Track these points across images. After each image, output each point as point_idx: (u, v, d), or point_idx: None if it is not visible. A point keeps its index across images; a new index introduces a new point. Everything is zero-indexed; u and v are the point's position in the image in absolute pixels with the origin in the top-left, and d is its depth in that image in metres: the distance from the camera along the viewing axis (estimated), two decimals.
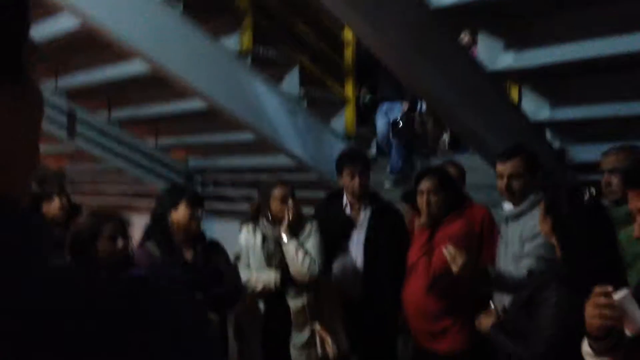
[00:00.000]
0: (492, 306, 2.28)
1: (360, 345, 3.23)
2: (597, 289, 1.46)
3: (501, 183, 2.69)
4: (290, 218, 2.98)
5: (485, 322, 2.21)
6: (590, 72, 4.25)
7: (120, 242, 2.62)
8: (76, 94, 7.19)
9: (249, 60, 5.52)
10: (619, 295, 1.40)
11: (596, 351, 1.51)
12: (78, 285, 0.46)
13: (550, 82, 4.46)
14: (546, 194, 2.18)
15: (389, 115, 5.97)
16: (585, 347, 1.56)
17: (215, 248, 3.04)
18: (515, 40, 4.28)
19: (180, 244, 2.92)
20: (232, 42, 5.69)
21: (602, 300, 1.42)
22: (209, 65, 4.90)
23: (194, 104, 5.88)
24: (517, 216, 2.66)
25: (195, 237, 2.97)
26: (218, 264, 2.93)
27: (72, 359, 0.41)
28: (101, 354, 0.42)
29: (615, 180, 2.46)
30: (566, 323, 1.81)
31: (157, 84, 6.11)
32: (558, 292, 1.94)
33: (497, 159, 2.79)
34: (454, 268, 2.40)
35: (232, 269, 2.99)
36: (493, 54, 4.34)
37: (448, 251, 2.43)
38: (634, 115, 4.08)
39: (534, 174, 2.72)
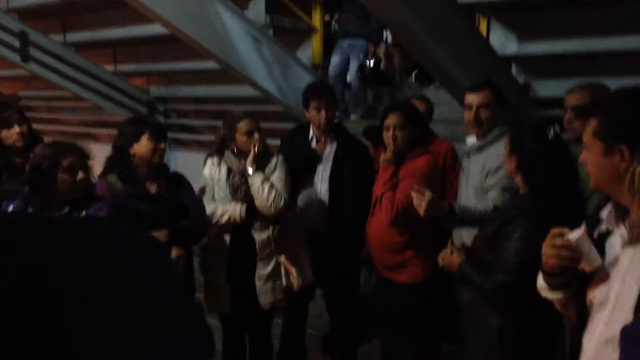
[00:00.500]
0: (451, 243, 2.33)
1: (324, 276, 3.32)
2: (554, 230, 1.50)
3: (469, 114, 2.72)
4: (256, 151, 2.95)
5: (450, 258, 2.24)
6: (558, 7, 4.23)
7: (80, 174, 2.57)
8: (29, 15, 6.79)
9: None
10: (574, 235, 1.45)
11: (551, 286, 1.59)
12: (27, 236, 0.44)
13: (519, 16, 4.42)
14: (510, 132, 2.19)
15: (350, 52, 5.76)
16: (541, 281, 1.63)
17: (179, 181, 3.00)
18: None
19: (143, 177, 2.87)
20: None
21: (558, 241, 1.46)
22: None
23: (153, 29, 5.64)
24: (479, 149, 2.71)
25: (159, 169, 2.92)
26: (182, 197, 2.91)
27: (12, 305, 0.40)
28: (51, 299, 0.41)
29: (576, 120, 2.50)
30: (528, 256, 1.87)
31: (114, 6, 5.81)
32: (523, 226, 2.00)
33: (467, 91, 2.81)
34: (420, 211, 2.44)
35: (196, 201, 2.97)
36: None
37: (414, 194, 2.45)
38: (599, 51, 4.11)
39: (501, 107, 2.77)
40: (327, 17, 6.83)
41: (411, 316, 2.84)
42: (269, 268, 3.01)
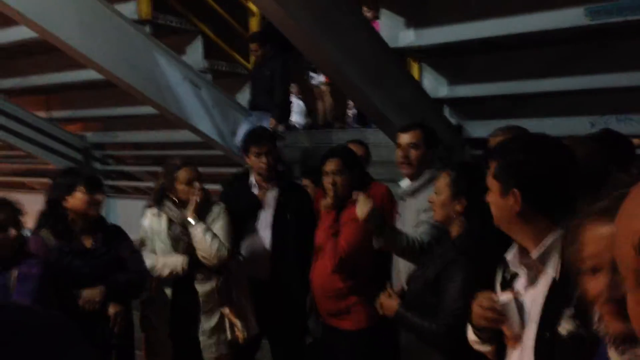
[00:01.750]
0: (390, 287, 2.33)
1: (269, 326, 3.27)
2: (483, 293, 1.56)
3: (399, 153, 2.76)
4: (197, 201, 2.92)
5: (388, 303, 2.23)
6: (484, 51, 4.46)
7: (12, 232, 2.47)
8: None
9: (148, 28, 5.26)
10: (503, 299, 1.51)
11: (480, 339, 1.64)
12: None
13: (449, 60, 4.64)
14: (450, 176, 2.21)
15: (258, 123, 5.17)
16: (471, 335, 1.67)
17: (116, 233, 2.92)
18: (416, 18, 4.40)
19: (78, 231, 2.77)
20: (130, 8, 5.39)
21: (485, 303, 1.52)
22: (103, 33, 4.60)
23: (88, 74, 5.54)
24: (414, 192, 2.74)
25: (95, 222, 2.83)
26: (120, 250, 2.82)
27: None
28: None
29: None
30: (472, 298, 1.91)
31: (47, 52, 5.69)
32: (465, 268, 2.02)
33: (399, 131, 2.87)
34: (359, 213, 2.44)
35: (135, 255, 2.89)
36: (395, 31, 4.44)
37: (362, 197, 2.46)
38: (524, 94, 4.35)
39: (431, 148, 2.81)
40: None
41: None
42: (213, 321, 2.93)
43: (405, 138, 2.76)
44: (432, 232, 2.50)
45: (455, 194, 2.14)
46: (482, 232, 2.05)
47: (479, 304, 1.53)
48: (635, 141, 2.83)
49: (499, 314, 1.49)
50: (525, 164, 1.47)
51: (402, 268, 2.63)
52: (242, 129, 5.33)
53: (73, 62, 4.96)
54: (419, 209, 2.64)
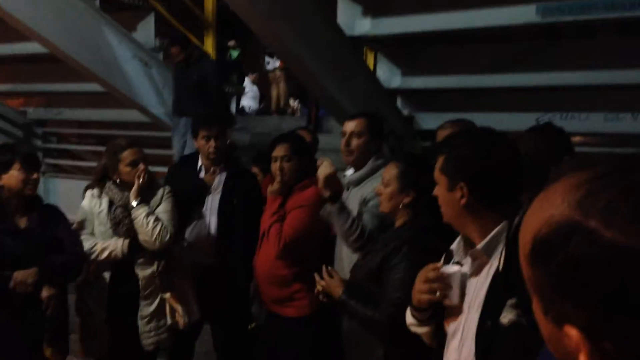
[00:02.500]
0: (333, 268, 2.29)
1: (213, 312, 3.21)
2: (429, 265, 1.56)
3: (342, 140, 2.74)
4: (141, 183, 2.82)
5: (331, 283, 2.20)
6: (441, 43, 4.50)
7: None
8: None
9: (97, 2, 5.05)
10: (450, 269, 1.52)
11: (419, 321, 1.64)
12: None
13: (404, 51, 4.65)
14: (399, 168, 2.21)
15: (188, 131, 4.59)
16: (410, 318, 1.68)
17: (53, 214, 2.79)
18: (374, 7, 4.39)
19: (12, 210, 2.64)
20: None
21: (432, 274, 1.52)
22: (49, 4, 4.39)
23: (33, 47, 5.27)
24: (357, 182, 2.72)
25: (31, 202, 2.70)
26: (56, 231, 2.70)
27: None
28: None
29: None
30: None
31: None
32: (408, 258, 2.02)
33: (346, 119, 2.82)
34: (320, 173, 2.43)
35: (73, 236, 2.77)
36: (351, 19, 4.41)
37: (324, 162, 2.44)
38: (476, 87, 4.42)
39: (377, 138, 2.77)
40: (231, 43, 6.74)
41: (300, 350, 2.81)
42: (153, 307, 2.86)
43: (349, 126, 2.72)
44: (375, 222, 2.50)
45: (404, 186, 2.13)
46: (428, 223, 2.07)
47: (425, 276, 1.54)
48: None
49: (445, 283, 1.50)
50: (472, 158, 1.48)
51: (344, 256, 2.62)
52: (176, 144, 5.01)
53: (17, 33, 4.71)
54: (364, 198, 2.62)
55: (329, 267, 2.29)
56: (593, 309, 0.53)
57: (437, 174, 1.55)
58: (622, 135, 4.25)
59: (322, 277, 2.26)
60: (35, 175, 2.67)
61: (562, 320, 0.57)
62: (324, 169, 2.45)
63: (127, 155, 2.85)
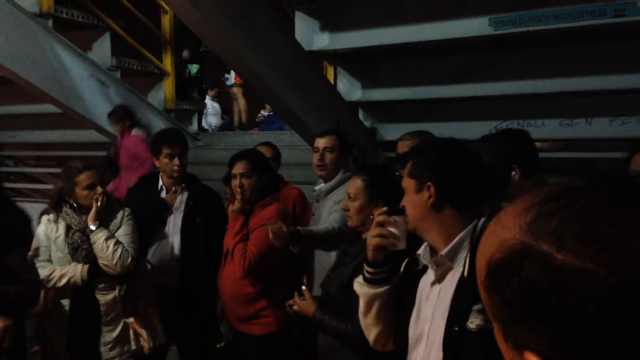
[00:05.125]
0: (305, 289, 2.31)
1: (179, 333, 3.15)
2: (379, 210, 1.62)
3: (316, 156, 2.94)
4: (99, 206, 2.75)
5: (303, 305, 2.23)
6: (398, 56, 4.56)
7: None
8: None
9: (50, 22, 4.95)
10: (398, 217, 1.59)
11: (373, 281, 1.65)
12: None
13: (363, 64, 4.70)
14: (365, 179, 2.20)
15: None
16: (360, 279, 1.70)
17: (5, 240, 2.68)
18: (331, 22, 4.42)
19: None
20: (30, 1, 5.04)
21: (382, 217, 1.59)
22: (0, 26, 4.27)
23: None
24: (328, 192, 2.88)
25: None
26: (9, 259, 2.60)
27: None
28: None
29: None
30: None
31: None
32: None
33: (316, 136, 3.03)
34: (276, 243, 2.46)
35: (27, 264, 2.67)
36: (310, 34, 4.43)
37: (270, 230, 2.43)
38: (435, 98, 4.48)
39: (345, 152, 3.02)
40: (185, 53, 6.61)
41: None
42: (116, 332, 2.78)
43: (321, 142, 2.95)
44: (343, 219, 2.52)
45: (372, 198, 2.15)
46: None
47: (376, 221, 1.60)
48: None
49: (394, 227, 1.58)
50: (439, 159, 1.54)
51: (326, 266, 2.63)
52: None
53: None
54: (334, 201, 2.75)
55: (303, 288, 2.31)
56: (549, 335, 0.52)
57: (405, 181, 1.59)
58: (576, 140, 4.37)
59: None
60: None
61: (521, 346, 0.56)
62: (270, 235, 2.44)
63: (83, 178, 2.78)
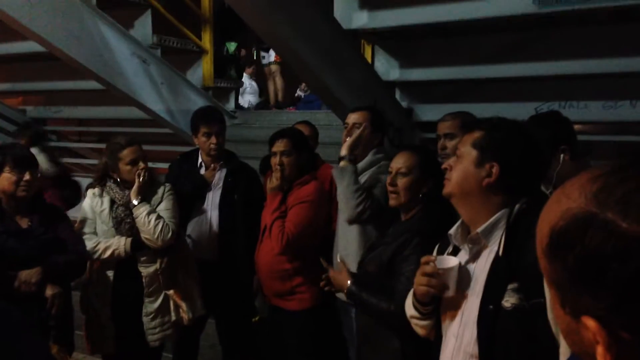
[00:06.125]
0: (339, 261, 2.25)
1: (217, 306, 3.24)
2: (423, 258, 1.58)
3: (344, 132, 2.76)
4: (141, 181, 2.83)
5: (339, 278, 2.18)
6: (438, 35, 4.49)
7: None
8: None
9: (93, 0, 5.04)
10: (446, 265, 1.53)
11: (422, 314, 1.66)
12: None
13: (401, 43, 4.64)
14: (425, 157, 2.18)
15: None
16: (412, 311, 1.69)
17: (55, 213, 2.80)
18: (370, 0, 4.37)
19: (11, 211, 2.65)
20: None
21: (428, 268, 1.54)
22: (45, 3, 4.37)
23: (30, 46, 5.26)
24: (360, 173, 2.68)
25: (32, 202, 2.71)
26: (59, 230, 2.72)
27: None
28: None
29: (449, 144, 2.63)
30: None
31: None
32: (420, 249, 1.99)
33: (349, 111, 2.87)
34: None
35: (75, 235, 2.79)
36: (348, 12, 4.40)
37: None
38: (474, 78, 4.41)
39: (378, 131, 2.80)
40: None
41: (302, 342, 2.84)
42: (157, 304, 2.88)
43: (352, 118, 2.78)
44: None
45: (425, 175, 2.12)
46: (439, 214, 2.06)
47: (422, 271, 1.56)
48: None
49: (441, 279, 1.52)
50: (511, 141, 1.51)
51: (341, 250, 2.63)
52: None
53: (14, 33, 4.70)
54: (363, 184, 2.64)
55: (338, 260, 2.27)
56: (609, 299, 0.55)
57: (465, 147, 1.55)
58: (620, 123, 4.25)
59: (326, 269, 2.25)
60: (27, 177, 2.61)
61: (579, 312, 0.58)
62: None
63: (126, 154, 2.86)
